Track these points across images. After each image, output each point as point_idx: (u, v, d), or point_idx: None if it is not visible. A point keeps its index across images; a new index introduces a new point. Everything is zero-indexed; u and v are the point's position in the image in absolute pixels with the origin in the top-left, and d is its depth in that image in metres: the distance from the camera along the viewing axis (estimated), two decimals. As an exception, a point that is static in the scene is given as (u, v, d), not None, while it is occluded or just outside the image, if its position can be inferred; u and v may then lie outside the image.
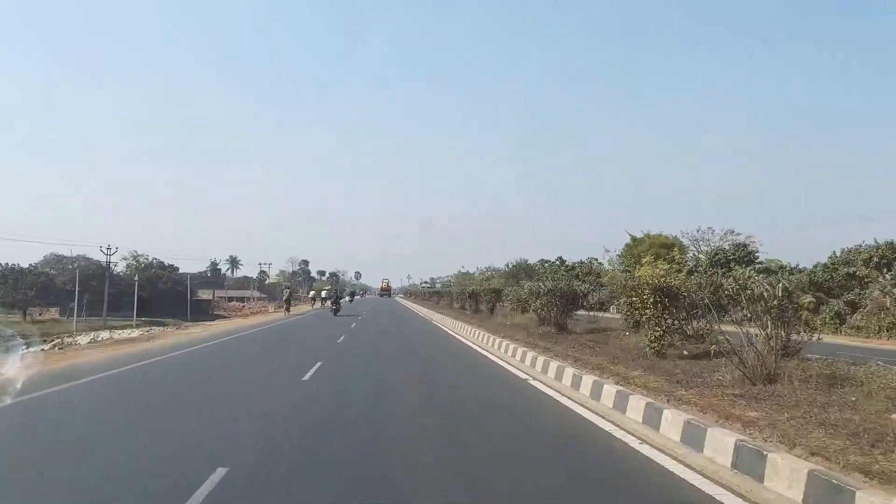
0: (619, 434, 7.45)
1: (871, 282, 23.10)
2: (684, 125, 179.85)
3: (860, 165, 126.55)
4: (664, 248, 32.26)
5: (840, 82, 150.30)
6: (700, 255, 35.27)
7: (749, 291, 8.91)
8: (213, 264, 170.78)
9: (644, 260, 29.73)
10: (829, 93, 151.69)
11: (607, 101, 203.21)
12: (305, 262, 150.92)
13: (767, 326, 8.78)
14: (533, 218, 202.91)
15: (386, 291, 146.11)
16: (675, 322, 12.37)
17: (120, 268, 65.25)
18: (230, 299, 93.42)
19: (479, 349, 18.73)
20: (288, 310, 49.98)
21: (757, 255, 34.83)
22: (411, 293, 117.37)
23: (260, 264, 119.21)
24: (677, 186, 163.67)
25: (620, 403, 8.68)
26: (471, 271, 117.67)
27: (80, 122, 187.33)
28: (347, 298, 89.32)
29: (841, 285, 27.08)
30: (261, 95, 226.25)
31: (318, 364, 14.36)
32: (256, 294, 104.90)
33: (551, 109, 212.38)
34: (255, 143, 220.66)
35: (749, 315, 9.05)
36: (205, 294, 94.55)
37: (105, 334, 39.22)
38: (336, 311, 45.40)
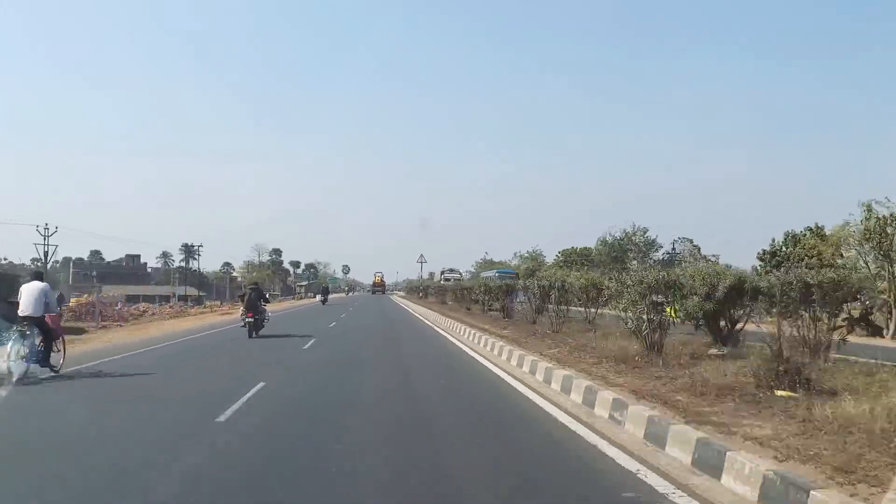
0: None
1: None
2: (684, 125, 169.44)
3: (861, 165, 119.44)
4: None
5: (840, 82, 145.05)
6: None
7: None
8: (165, 255, 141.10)
9: None
10: (828, 93, 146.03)
11: (605, 103, 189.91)
12: (277, 252, 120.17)
13: None
14: (531, 217, 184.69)
15: (379, 287, 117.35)
16: None
17: None
18: (141, 299, 62.92)
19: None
20: None
21: None
22: (423, 290, 69.18)
23: (188, 247, 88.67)
24: (677, 186, 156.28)
25: None
26: (495, 259, 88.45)
27: (78, 123, 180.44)
28: (319, 299, 59.98)
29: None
30: (259, 98, 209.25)
31: None
32: (189, 292, 74.39)
33: (549, 111, 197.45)
34: (248, 144, 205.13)
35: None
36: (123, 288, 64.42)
37: None
38: (252, 330, 21.40)
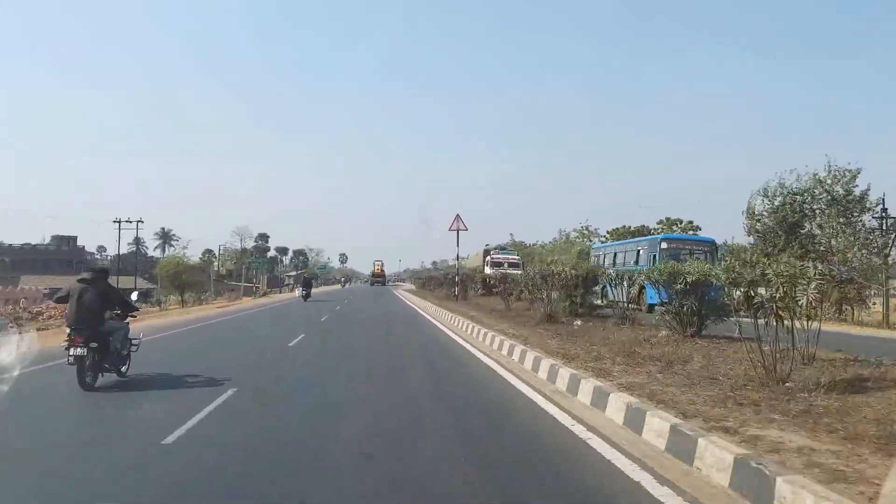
0: None
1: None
2: (684, 125, 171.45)
3: (860, 164, 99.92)
4: None
5: (840, 82, 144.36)
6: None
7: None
8: (138, 241, 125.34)
9: None
10: (828, 93, 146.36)
11: (605, 103, 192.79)
12: (263, 237, 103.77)
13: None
14: (532, 217, 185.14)
15: (379, 278, 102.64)
16: None
17: None
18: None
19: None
20: None
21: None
22: (458, 283, 35.44)
23: (164, 232, 73.14)
24: (677, 186, 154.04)
25: None
26: (528, 242, 72.03)
27: (78, 123, 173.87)
28: (300, 293, 44.87)
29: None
30: (259, 98, 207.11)
31: None
32: (140, 285, 58.76)
33: (549, 111, 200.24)
34: (248, 144, 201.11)
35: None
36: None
37: None
38: (90, 372, 8.59)
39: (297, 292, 46.44)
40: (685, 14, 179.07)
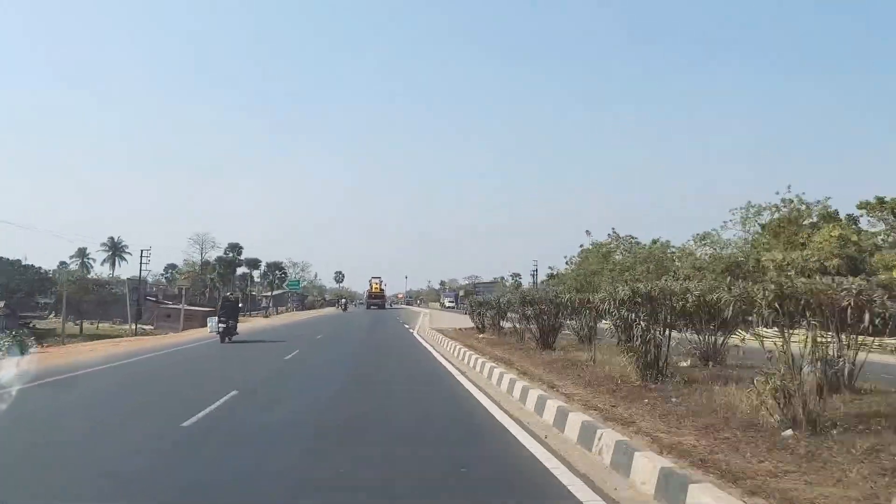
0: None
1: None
2: (686, 130, 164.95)
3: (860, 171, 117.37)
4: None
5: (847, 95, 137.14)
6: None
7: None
8: (82, 252, 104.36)
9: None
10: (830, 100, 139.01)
11: (606, 114, 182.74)
12: (235, 249, 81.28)
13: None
14: (536, 229, 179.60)
15: (377, 299, 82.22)
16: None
17: None
18: None
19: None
20: None
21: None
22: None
23: (113, 242, 50.95)
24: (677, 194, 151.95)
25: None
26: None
27: (74, 133, 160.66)
28: (214, 328, 24.21)
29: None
30: (255, 108, 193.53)
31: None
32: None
33: (548, 115, 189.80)
34: (248, 151, 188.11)
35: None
36: None
37: None
38: None
39: (211, 327, 25.49)
40: (688, 18, 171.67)
